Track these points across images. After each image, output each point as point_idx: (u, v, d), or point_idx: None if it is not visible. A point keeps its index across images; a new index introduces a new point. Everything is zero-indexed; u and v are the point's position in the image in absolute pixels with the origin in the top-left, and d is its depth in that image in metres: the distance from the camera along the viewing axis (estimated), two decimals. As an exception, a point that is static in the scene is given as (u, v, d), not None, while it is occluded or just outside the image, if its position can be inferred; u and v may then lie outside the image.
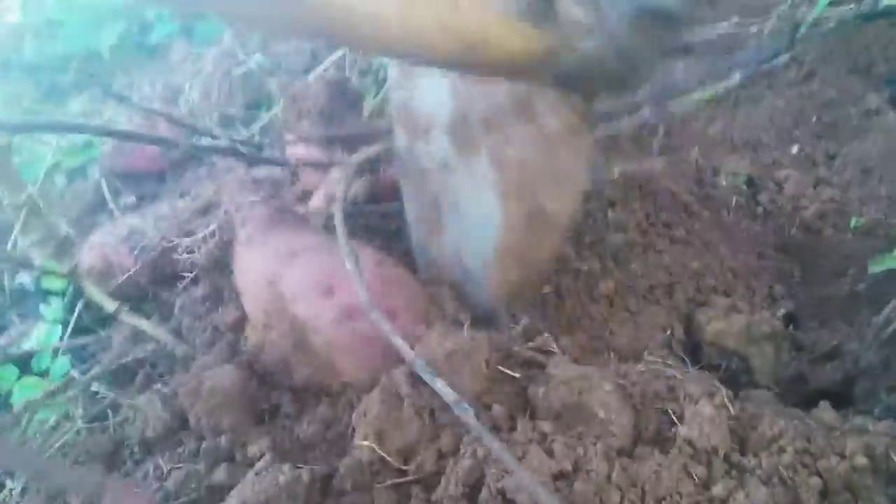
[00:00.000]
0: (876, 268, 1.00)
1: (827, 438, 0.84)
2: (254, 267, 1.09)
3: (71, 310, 1.26)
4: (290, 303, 1.01)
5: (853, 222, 1.26)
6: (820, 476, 0.79)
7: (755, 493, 0.78)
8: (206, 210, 1.46)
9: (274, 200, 1.23)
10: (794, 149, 1.43)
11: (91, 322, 1.26)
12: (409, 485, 0.90)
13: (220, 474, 0.95)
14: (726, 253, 1.31)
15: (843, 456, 0.81)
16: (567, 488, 0.84)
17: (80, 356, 1.21)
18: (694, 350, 1.15)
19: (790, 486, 0.79)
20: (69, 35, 2.64)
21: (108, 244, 1.31)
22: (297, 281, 1.03)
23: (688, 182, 1.39)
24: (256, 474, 0.91)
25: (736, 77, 1.37)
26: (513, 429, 0.91)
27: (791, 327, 1.20)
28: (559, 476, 0.85)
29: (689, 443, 0.85)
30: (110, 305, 1.20)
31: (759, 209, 1.36)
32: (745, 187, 1.38)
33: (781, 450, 0.83)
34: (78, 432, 1.08)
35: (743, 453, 0.84)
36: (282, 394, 1.04)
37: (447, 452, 0.92)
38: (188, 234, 1.35)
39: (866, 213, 1.26)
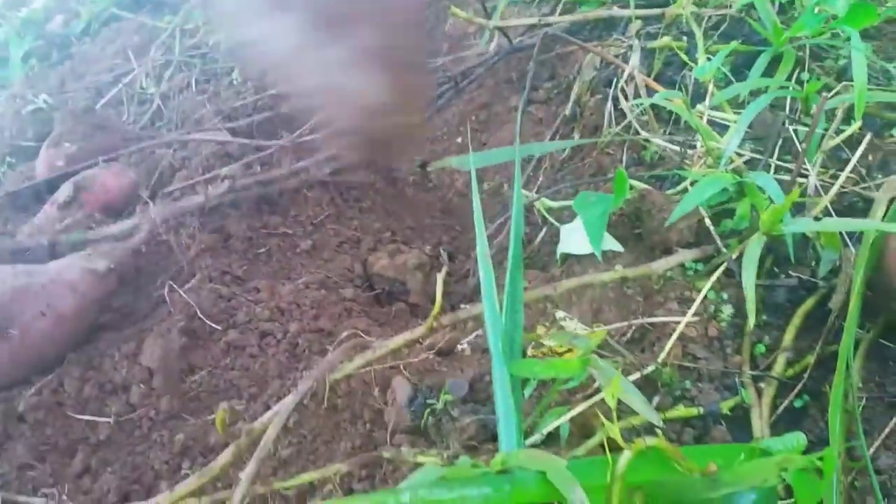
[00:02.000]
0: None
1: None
2: None
3: None
4: None
5: (483, 186, 1.78)
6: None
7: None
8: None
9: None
10: (459, 140, 1.94)
11: None
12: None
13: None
14: (406, 217, 1.79)
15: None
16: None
17: None
18: (370, 281, 1.61)
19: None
20: None
21: None
22: None
23: (380, 169, 1.87)
24: None
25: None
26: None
27: (449, 261, 1.69)
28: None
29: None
30: None
31: (430, 184, 1.86)
32: (419, 169, 1.87)
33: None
34: None
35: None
36: None
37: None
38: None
39: (493, 180, 1.78)
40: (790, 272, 1.22)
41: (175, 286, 1.40)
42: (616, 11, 1.84)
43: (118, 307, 1.48)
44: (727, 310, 1.18)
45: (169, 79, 2.41)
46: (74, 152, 1.85)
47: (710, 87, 1.45)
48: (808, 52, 1.59)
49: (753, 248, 1.14)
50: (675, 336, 1.11)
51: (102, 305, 1.46)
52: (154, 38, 2.80)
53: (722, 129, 1.43)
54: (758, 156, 1.39)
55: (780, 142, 1.42)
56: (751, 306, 1.10)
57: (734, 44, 1.51)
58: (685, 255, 1.21)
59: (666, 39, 1.63)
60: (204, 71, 2.39)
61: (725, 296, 1.20)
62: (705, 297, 1.18)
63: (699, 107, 1.44)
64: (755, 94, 1.49)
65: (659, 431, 0.91)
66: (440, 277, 1.08)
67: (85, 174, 1.72)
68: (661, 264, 1.19)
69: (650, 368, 1.06)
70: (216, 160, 1.73)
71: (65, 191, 1.64)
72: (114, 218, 1.63)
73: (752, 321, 1.10)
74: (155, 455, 1.20)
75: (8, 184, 2.05)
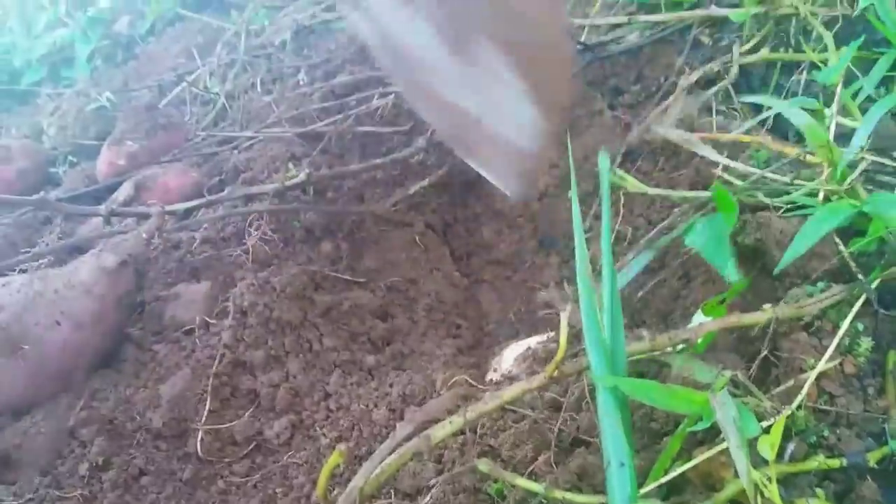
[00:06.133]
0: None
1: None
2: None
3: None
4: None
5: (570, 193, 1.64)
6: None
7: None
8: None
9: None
10: (538, 144, 1.81)
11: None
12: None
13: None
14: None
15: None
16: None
17: None
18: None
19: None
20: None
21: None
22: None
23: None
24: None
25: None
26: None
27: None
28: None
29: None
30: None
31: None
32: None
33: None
34: None
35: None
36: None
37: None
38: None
39: (587, 181, 1.64)
40: (938, 299, 1.06)
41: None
42: (714, 10, 1.69)
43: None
44: (865, 343, 1.01)
45: (233, 78, 2.34)
46: (136, 151, 1.78)
47: (838, 91, 1.28)
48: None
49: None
50: (813, 375, 0.95)
51: (124, 306, 1.32)
52: (219, 38, 2.73)
53: (846, 141, 1.26)
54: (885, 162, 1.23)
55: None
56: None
57: (858, 42, 1.35)
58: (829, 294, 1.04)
59: (764, 52, 1.49)
60: (269, 71, 2.31)
61: (861, 326, 1.03)
62: (837, 327, 1.02)
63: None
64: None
65: (821, 492, 0.76)
66: (564, 318, 0.89)
67: (146, 174, 1.65)
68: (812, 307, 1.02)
69: (786, 412, 0.90)
70: (282, 163, 1.64)
71: (125, 190, 1.56)
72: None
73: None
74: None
75: (69, 182, 2.00)
